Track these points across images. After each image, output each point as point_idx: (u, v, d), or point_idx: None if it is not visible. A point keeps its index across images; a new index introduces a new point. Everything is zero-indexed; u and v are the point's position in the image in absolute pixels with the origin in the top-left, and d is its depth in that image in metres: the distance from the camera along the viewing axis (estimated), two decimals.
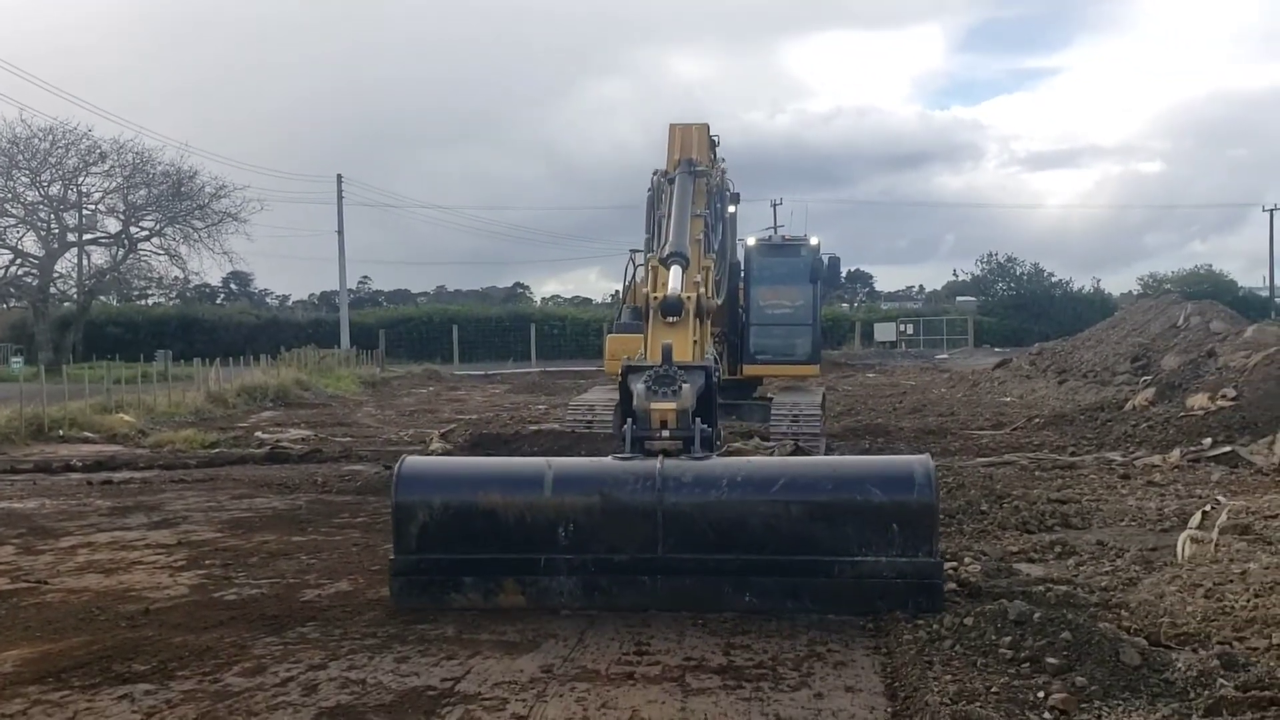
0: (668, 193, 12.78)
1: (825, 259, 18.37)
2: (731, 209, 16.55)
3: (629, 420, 8.11)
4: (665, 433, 7.91)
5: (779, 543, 7.32)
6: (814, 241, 18.41)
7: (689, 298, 10.16)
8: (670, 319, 9.94)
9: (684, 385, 8.06)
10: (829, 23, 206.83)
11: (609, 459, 7.89)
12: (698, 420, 7.95)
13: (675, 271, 10.48)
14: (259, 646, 6.75)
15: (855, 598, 7.22)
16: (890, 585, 7.16)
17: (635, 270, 18.41)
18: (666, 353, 8.28)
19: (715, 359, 14.83)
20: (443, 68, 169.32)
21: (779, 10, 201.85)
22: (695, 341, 10.03)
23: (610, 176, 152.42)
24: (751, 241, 18.16)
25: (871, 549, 7.19)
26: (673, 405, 7.94)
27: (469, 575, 7.53)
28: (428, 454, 17.18)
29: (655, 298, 10.22)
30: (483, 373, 48.17)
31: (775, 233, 21.97)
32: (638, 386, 8.15)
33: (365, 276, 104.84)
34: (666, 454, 7.74)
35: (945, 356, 54.67)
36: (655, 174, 14.41)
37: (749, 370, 18.30)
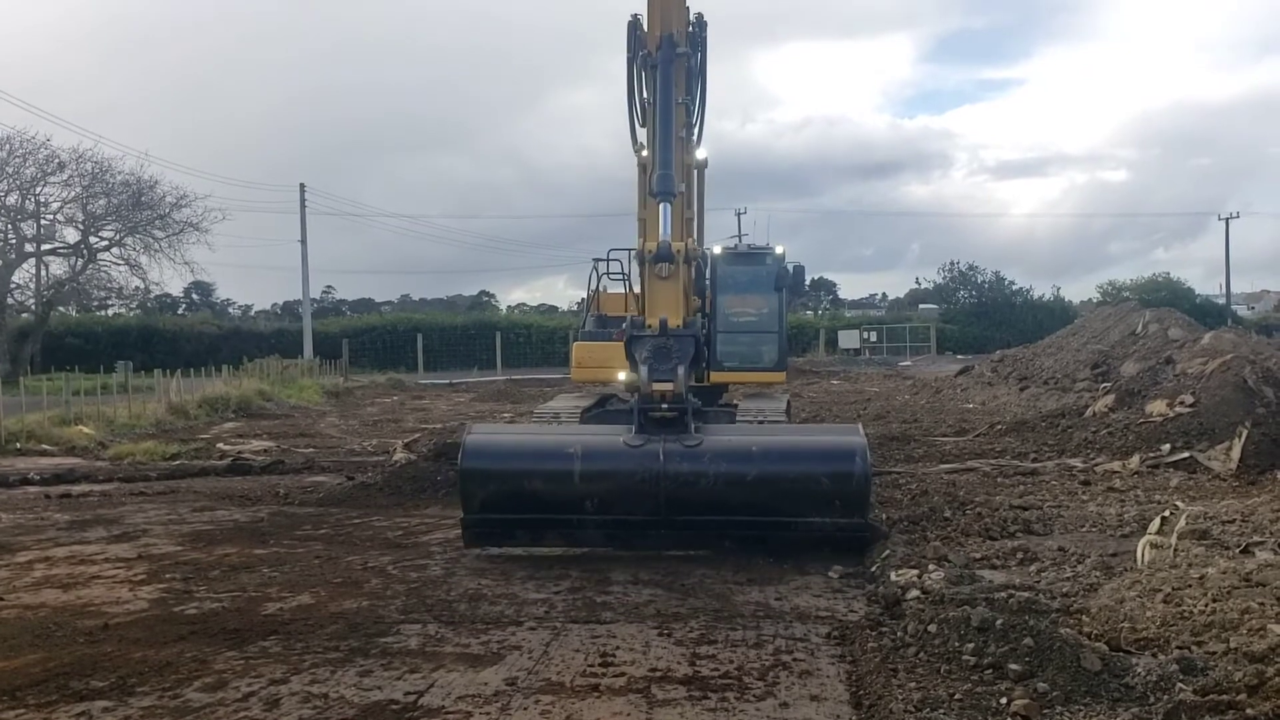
0: (651, 82, 12.59)
1: (790, 267, 18.52)
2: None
3: (635, 394, 10.49)
4: (665, 405, 9.97)
5: (751, 510, 9.69)
6: (779, 250, 18.61)
7: (679, 248, 11.17)
8: (663, 271, 11.07)
9: (679, 367, 10.12)
10: (799, 32, 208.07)
11: (622, 441, 9.81)
12: (689, 396, 10.19)
13: (665, 210, 11.37)
14: (220, 661, 6.68)
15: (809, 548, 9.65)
16: (833, 538, 9.70)
17: (599, 280, 18.49)
18: (663, 325, 10.35)
19: (701, 315, 15.88)
20: (411, 75, 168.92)
21: (750, 20, 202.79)
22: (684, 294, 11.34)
23: (579, 184, 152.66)
24: (717, 250, 18.28)
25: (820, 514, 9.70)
26: (670, 386, 10.00)
27: (520, 530, 9.93)
28: (390, 464, 17.10)
29: (649, 250, 11.21)
30: (448, 381, 47.90)
31: (740, 241, 22.08)
32: (641, 367, 10.19)
33: (329, 286, 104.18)
34: (666, 420, 9.86)
35: (908, 363, 55.02)
36: (634, 28, 13.25)
37: (716, 377, 18.34)
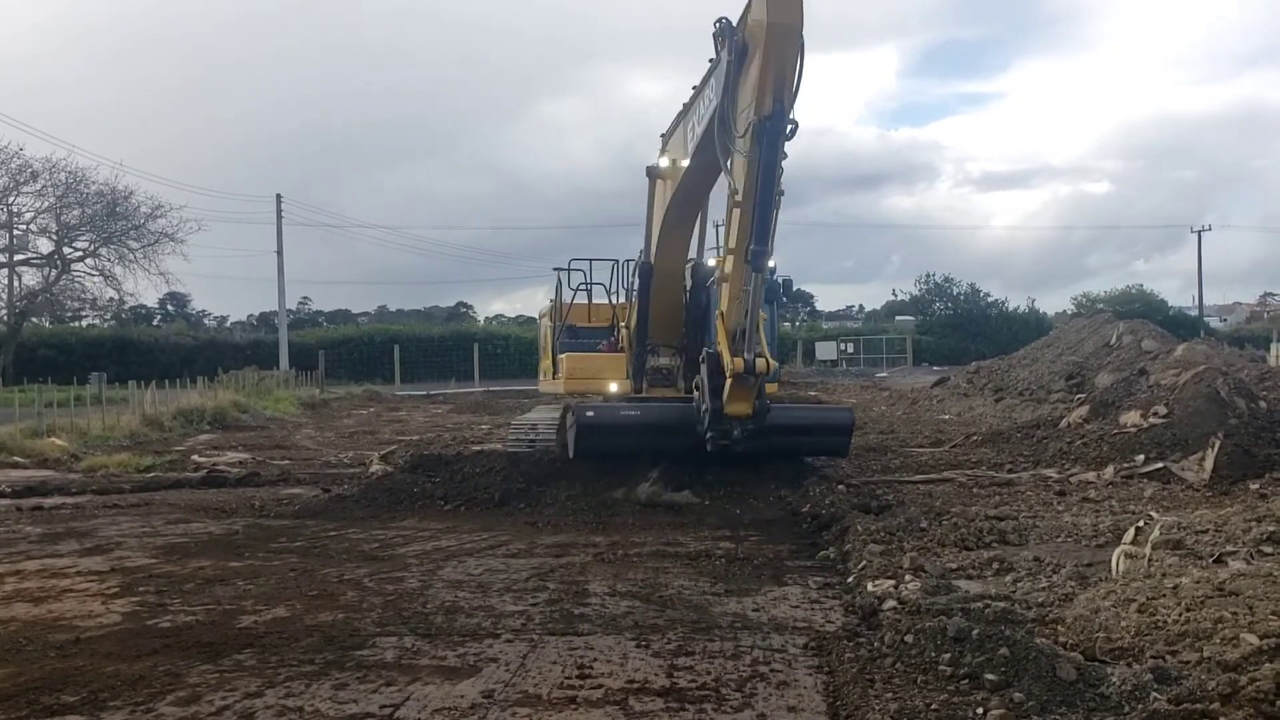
0: (757, 143, 11.63)
1: (780, 281, 18.66)
2: None
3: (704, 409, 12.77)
4: (737, 431, 12.71)
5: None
6: (771, 264, 18.71)
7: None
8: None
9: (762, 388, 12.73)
10: None
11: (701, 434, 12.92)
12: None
13: (755, 279, 12.27)
14: (194, 675, 6.62)
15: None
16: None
17: (573, 293, 18.47)
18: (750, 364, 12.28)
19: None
20: (393, 85, 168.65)
21: None
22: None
23: (561, 195, 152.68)
24: (712, 262, 18.31)
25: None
26: (749, 411, 12.63)
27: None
28: (367, 476, 17.03)
29: (732, 250, 12.25)
30: (425, 393, 47.82)
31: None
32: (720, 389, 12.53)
33: (305, 297, 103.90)
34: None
35: (885, 375, 55.28)
36: (729, 33, 12.21)
37: None
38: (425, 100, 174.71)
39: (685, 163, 14.45)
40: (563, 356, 17.58)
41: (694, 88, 13.97)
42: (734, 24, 12.12)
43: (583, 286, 18.58)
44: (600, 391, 17.00)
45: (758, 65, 11.46)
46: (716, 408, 12.63)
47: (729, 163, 12.27)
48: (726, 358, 12.32)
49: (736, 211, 12.04)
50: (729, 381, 12.41)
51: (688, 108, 14.40)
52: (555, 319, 18.77)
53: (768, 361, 12.43)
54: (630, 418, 14.48)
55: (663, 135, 15.96)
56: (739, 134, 11.82)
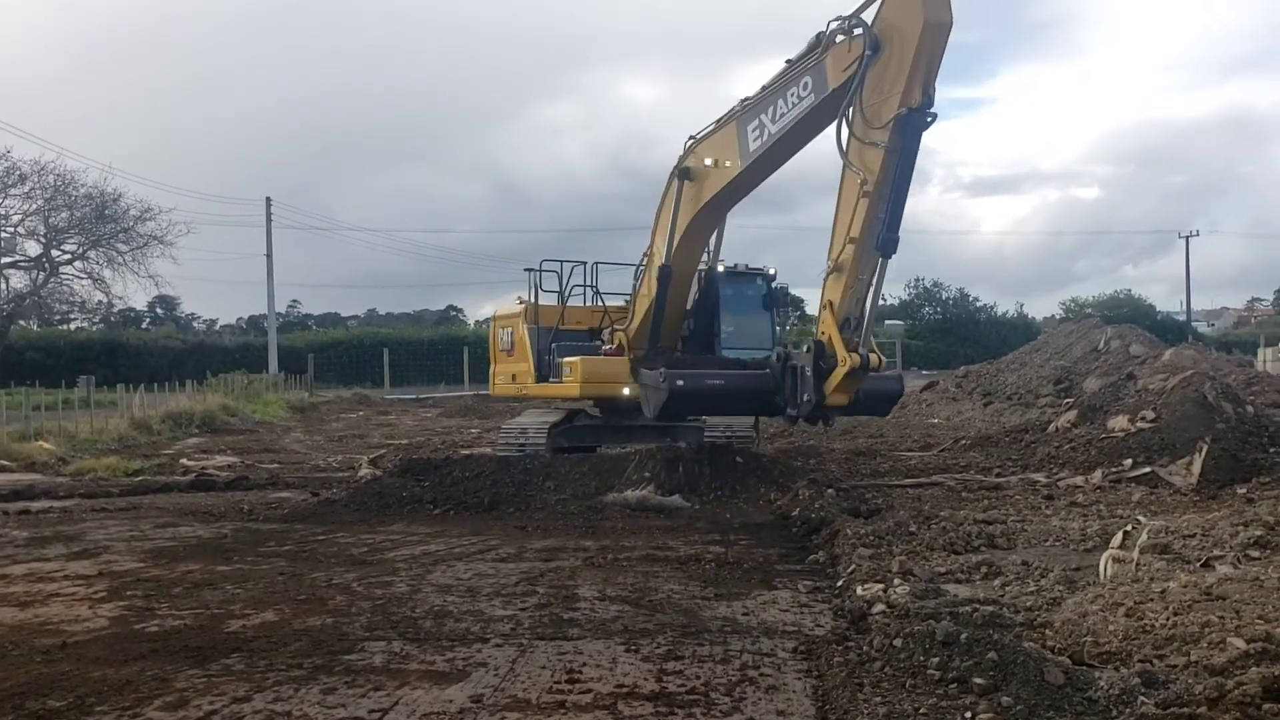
0: (900, 135, 12.16)
1: (778, 289, 19.00)
2: None
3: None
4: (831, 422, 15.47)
5: None
6: (771, 270, 18.98)
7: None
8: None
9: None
10: (777, 47, 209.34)
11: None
12: None
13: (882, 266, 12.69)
14: (181, 679, 6.59)
15: None
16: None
17: (568, 293, 18.46)
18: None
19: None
20: (386, 88, 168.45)
21: (728, 34, 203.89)
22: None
23: (553, 198, 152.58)
24: (719, 269, 18.35)
25: None
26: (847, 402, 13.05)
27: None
28: (356, 480, 17.00)
29: (854, 238, 12.28)
30: (414, 396, 47.73)
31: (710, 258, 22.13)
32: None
33: (295, 300, 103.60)
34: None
35: None
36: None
37: None
38: (418, 103, 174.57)
39: (734, 164, 14.81)
40: (575, 360, 17.14)
41: (764, 87, 14.30)
42: (843, 24, 12.80)
43: (578, 288, 18.59)
44: (614, 395, 17.01)
45: (903, 60, 11.97)
46: (819, 400, 12.93)
47: (853, 155, 12.51)
48: (841, 350, 12.50)
49: (865, 201, 12.27)
50: (840, 373, 12.55)
51: (750, 107, 14.57)
52: (531, 321, 18.49)
53: (879, 357, 12.74)
54: (716, 386, 15.07)
55: (693, 137, 16.04)
56: (876, 126, 12.17)
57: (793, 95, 13.62)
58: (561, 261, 18.61)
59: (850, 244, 12.41)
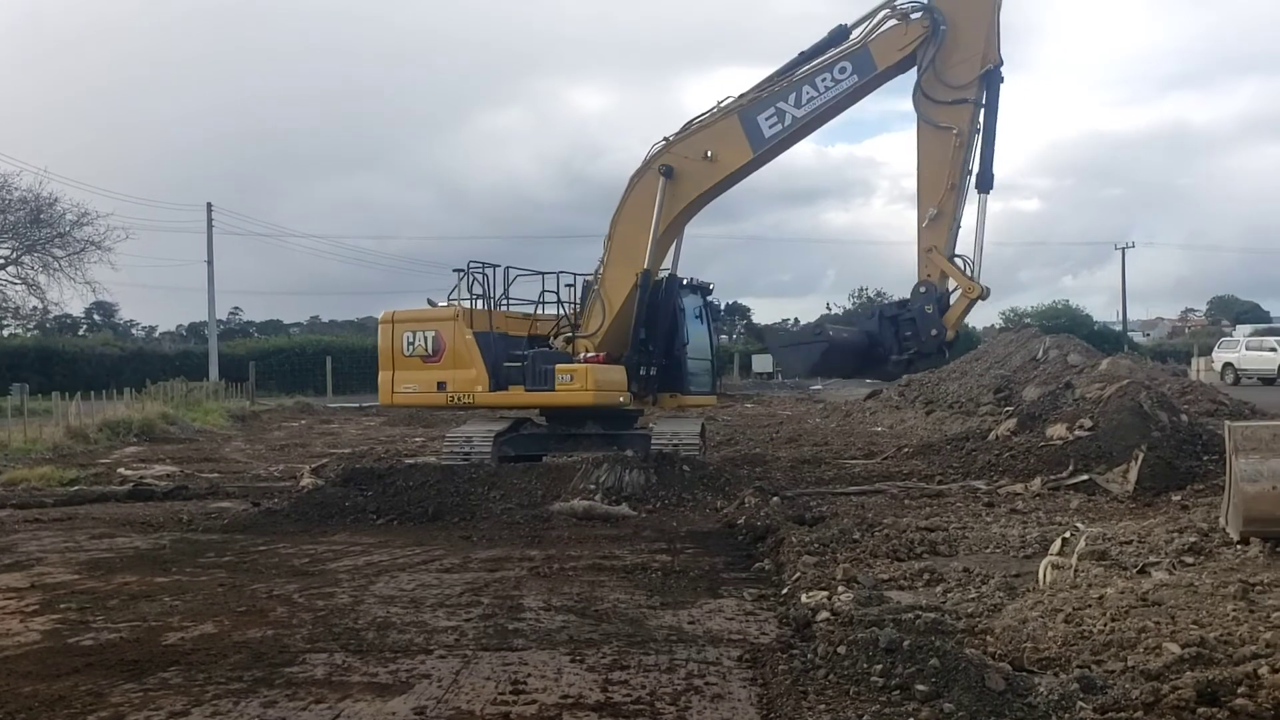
0: (993, 90, 15.64)
1: (714, 301, 20.12)
2: None
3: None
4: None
5: None
6: (710, 284, 20.22)
7: None
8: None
9: None
10: (728, 58, 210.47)
11: None
12: None
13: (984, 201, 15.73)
14: (117, 694, 6.47)
15: None
16: None
17: (565, 293, 18.54)
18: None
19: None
20: (330, 92, 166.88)
21: (678, 44, 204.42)
22: None
23: (501, 205, 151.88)
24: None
25: None
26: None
27: None
28: (298, 490, 16.77)
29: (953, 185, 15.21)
30: (357, 405, 47.19)
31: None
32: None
33: (236, 307, 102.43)
34: None
35: (819, 387, 55.70)
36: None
37: (686, 401, 18.90)
38: (364, 108, 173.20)
39: (740, 153, 16.32)
40: (586, 367, 16.82)
41: (777, 73, 16.22)
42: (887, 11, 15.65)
43: (548, 294, 18.60)
44: (613, 403, 17.22)
45: (977, 26, 15.12)
46: (942, 333, 15.39)
47: (940, 115, 15.20)
48: (964, 281, 15.13)
49: (959, 152, 15.01)
50: (964, 303, 15.24)
51: (758, 99, 16.15)
52: (483, 325, 17.93)
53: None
54: (857, 339, 17.12)
55: (667, 138, 16.77)
56: (958, 85, 15.06)
57: (824, 80, 15.81)
58: (495, 265, 18.50)
59: (950, 190, 14.82)
